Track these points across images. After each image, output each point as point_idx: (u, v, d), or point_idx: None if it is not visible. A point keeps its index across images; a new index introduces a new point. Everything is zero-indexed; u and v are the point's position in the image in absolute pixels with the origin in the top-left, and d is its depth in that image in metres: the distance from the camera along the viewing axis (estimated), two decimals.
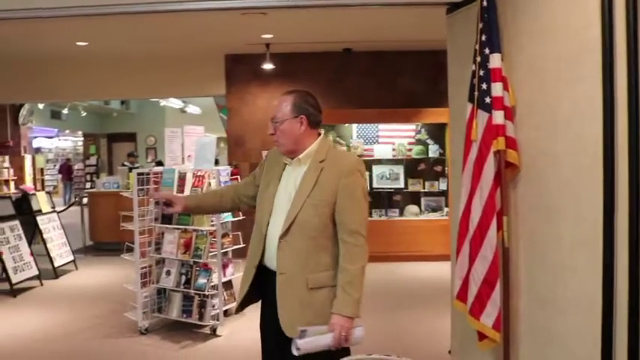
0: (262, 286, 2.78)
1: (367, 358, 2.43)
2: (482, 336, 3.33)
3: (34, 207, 8.54)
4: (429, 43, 8.32)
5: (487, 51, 3.25)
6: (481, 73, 3.28)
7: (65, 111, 17.60)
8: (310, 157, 2.71)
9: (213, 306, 5.53)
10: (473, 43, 3.42)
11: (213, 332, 5.54)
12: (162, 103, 17.77)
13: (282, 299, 2.66)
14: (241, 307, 2.90)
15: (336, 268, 2.67)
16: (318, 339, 2.57)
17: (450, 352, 4.59)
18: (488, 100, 3.23)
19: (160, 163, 12.02)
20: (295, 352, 2.54)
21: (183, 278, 5.61)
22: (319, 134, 2.79)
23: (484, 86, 3.26)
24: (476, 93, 3.34)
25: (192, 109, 18.65)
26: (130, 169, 11.05)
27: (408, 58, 9.07)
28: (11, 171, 13.98)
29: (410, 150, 9.02)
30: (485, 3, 3.28)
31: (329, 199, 2.63)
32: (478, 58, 3.32)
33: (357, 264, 2.61)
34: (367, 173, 8.98)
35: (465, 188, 3.45)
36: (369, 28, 7.63)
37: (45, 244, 8.29)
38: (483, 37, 3.28)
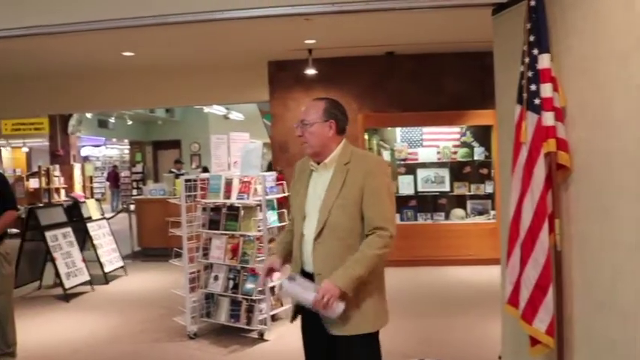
0: None
1: None
2: (534, 341, 3.27)
3: (85, 214, 8.75)
4: (473, 45, 8.25)
5: (536, 51, 3.19)
6: (530, 74, 3.23)
7: (112, 120, 18.03)
8: (335, 161, 2.81)
9: (261, 311, 5.57)
10: (520, 44, 3.37)
11: (261, 337, 5.57)
12: (206, 110, 18.02)
13: None
14: (295, 315, 2.99)
15: None
16: (301, 291, 2.68)
17: (500, 357, 4.51)
18: (537, 101, 3.18)
19: (205, 170, 12.20)
20: (276, 289, 2.68)
21: (231, 283, 5.66)
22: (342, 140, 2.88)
23: (533, 87, 3.20)
24: (525, 94, 3.29)
25: (235, 115, 18.86)
26: (177, 176, 11.23)
27: (452, 60, 8.98)
28: (61, 179, 14.38)
29: (455, 153, 8.93)
30: (533, 2, 3.22)
31: (356, 198, 2.71)
32: (527, 59, 3.26)
33: (372, 250, 2.67)
34: (412, 177, 8.94)
35: (514, 191, 3.39)
36: (412, 31, 7.60)
37: (95, 250, 8.48)
38: (532, 38, 3.23)
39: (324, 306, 2.59)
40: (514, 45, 3.56)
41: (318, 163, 2.84)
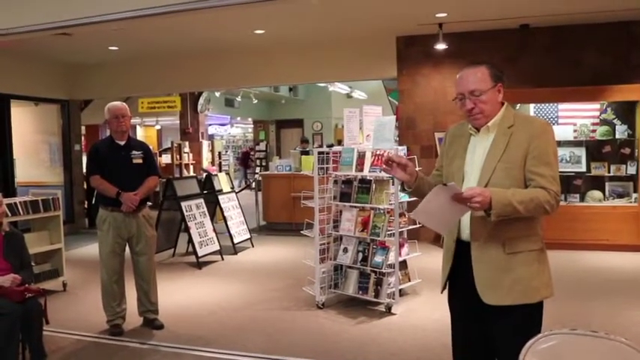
0: (460, 261, 2.70)
1: (571, 332, 2.26)
2: None
3: (216, 187, 9.09)
4: (617, 13, 7.70)
5: None
6: None
7: (238, 99, 18.57)
8: (497, 124, 2.67)
9: (389, 284, 5.55)
10: None
11: (389, 310, 5.56)
12: (330, 88, 18.11)
13: (478, 265, 2.61)
14: (446, 284, 2.83)
15: (531, 233, 2.61)
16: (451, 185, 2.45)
17: None
18: None
19: (331, 147, 12.31)
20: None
21: (360, 256, 5.67)
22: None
23: None
24: None
25: (358, 94, 18.82)
26: (302, 153, 11.42)
27: (592, 32, 8.38)
28: (190, 155, 15.05)
29: (593, 131, 8.40)
30: None
31: (520, 162, 2.57)
32: None
33: (538, 194, 2.48)
34: None
35: None
36: (549, 1, 7.20)
37: (226, 221, 8.81)
38: None
39: (465, 201, 2.42)
40: None
41: (477, 128, 2.71)
